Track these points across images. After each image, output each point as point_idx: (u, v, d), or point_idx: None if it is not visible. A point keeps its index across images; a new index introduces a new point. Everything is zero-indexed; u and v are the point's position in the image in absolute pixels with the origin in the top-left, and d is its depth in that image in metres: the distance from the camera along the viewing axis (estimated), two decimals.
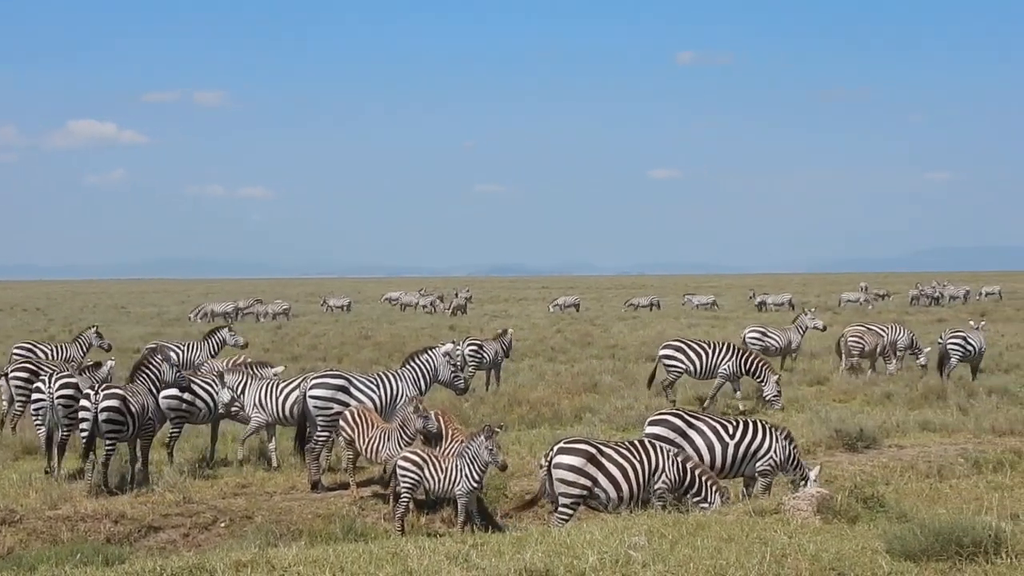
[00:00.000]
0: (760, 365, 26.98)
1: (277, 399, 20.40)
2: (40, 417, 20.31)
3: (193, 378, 21.13)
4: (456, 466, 15.53)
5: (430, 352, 21.27)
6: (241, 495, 18.13)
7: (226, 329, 31.82)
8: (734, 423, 16.40)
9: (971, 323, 34.77)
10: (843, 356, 33.81)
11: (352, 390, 19.79)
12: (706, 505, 14.44)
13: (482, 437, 15.17)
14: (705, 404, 26.80)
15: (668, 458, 14.73)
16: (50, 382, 20.29)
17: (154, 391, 19.70)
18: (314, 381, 19.81)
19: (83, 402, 18.80)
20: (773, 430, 16.27)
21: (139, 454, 19.27)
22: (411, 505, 16.28)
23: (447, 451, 16.82)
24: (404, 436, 17.34)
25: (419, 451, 16.21)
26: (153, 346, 27.74)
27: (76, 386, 20.11)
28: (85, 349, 31.60)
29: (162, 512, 16.92)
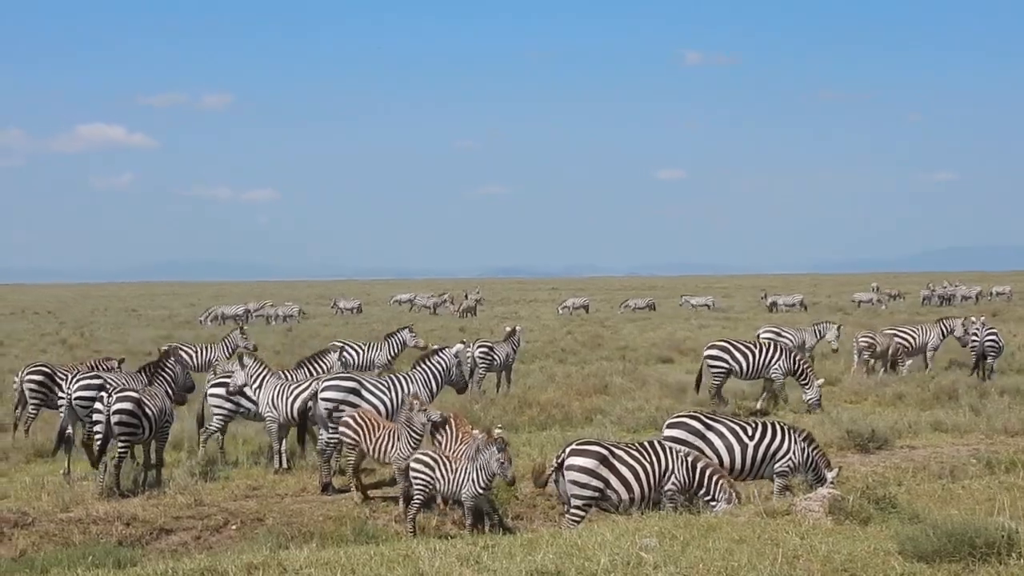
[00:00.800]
0: (806, 367, 27.07)
1: (288, 400, 20.40)
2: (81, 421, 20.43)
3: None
4: (465, 470, 15.53)
5: (440, 354, 21.31)
6: (252, 497, 18.15)
7: (407, 330, 32.34)
8: (753, 425, 16.38)
9: (975, 319, 34.68)
10: (855, 357, 33.80)
11: (364, 392, 19.80)
12: (715, 504, 14.42)
13: (494, 448, 15.13)
14: (759, 406, 26.83)
15: (678, 459, 14.71)
16: (69, 383, 20.39)
17: (170, 393, 19.80)
18: (325, 383, 19.82)
19: (96, 404, 18.84)
20: (791, 431, 16.25)
21: (153, 456, 19.32)
22: (423, 507, 16.26)
23: (459, 453, 16.80)
24: (413, 435, 17.30)
25: (431, 453, 16.20)
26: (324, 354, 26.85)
27: (97, 387, 20.19)
28: (231, 350, 31.82)
29: (174, 514, 16.94)
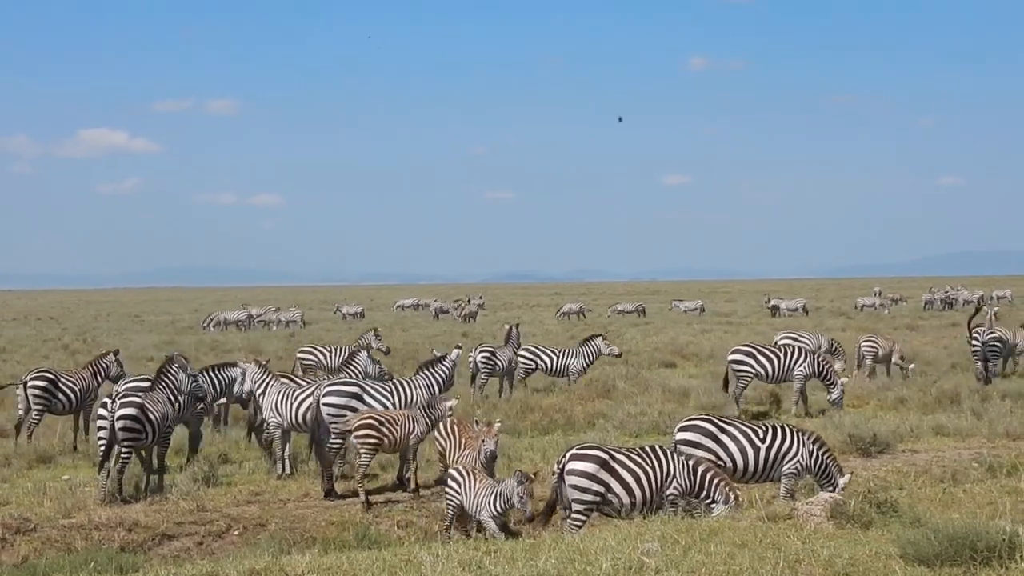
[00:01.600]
0: (829, 369, 27.31)
1: (292, 405, 20.40)
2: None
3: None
4: (486, 491, 15.45)
5: (443, 361, 21.50)
6: (254, 503, 18.16)
7: (600, 337, 32.57)
8: (763, 428, 16.41)
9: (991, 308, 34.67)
10: (857, 362, 33.86)
11: (366, 397, 19.83)
12: (715, 507, 14.43)
13: (514, 481, 15.10)
14: (794, 411, 26.94)
15: (680, 463, 14.73)
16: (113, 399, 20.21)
17: (172, 399, 19.78)
18: (328, 388, 19.84)
19: (100, 411, 18.86)
20: (800, 434, 16.29)
21: (155, 461, 19.33)
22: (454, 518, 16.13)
23: (460, 459, 16.76)
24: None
25: (462, 468, 16.06)
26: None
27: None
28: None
29: (176, 520, 16.95)
